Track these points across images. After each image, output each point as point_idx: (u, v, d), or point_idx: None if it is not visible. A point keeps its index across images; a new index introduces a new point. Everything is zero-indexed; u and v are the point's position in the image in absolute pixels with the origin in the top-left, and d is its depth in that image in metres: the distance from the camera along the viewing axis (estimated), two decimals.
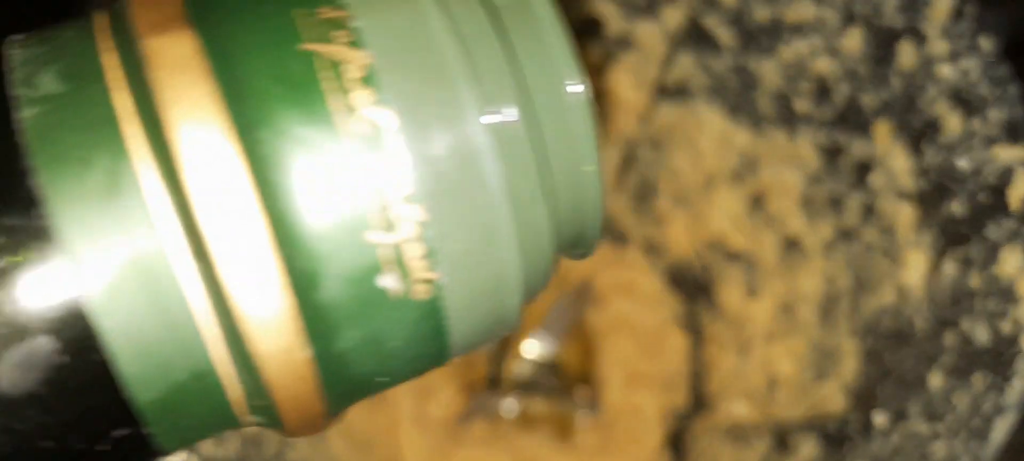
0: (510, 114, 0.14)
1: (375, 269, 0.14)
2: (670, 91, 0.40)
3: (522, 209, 0.15)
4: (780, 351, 0.39)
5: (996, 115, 0.30)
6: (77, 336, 0.13)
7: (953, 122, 0.32)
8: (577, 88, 0.15)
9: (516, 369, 0.43)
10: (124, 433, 0.14)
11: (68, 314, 0.13)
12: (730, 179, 0.40)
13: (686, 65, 0.38)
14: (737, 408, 0.40)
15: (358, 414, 0.40)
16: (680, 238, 0.42)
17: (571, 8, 0.39)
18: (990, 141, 0.31)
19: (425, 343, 0.15)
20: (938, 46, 0.31)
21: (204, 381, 0.14)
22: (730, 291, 0.41)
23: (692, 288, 0.43)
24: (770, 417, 0.39)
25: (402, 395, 0.42)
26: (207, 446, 0.30)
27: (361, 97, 0.14)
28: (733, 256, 0.41)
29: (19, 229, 0.13)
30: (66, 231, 0.13)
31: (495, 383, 0.43)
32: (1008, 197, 0.30)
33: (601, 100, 0.41)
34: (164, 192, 0.13)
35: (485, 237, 0.14)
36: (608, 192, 0.43)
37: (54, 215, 0.13)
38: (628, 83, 0.40)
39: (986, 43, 0.30)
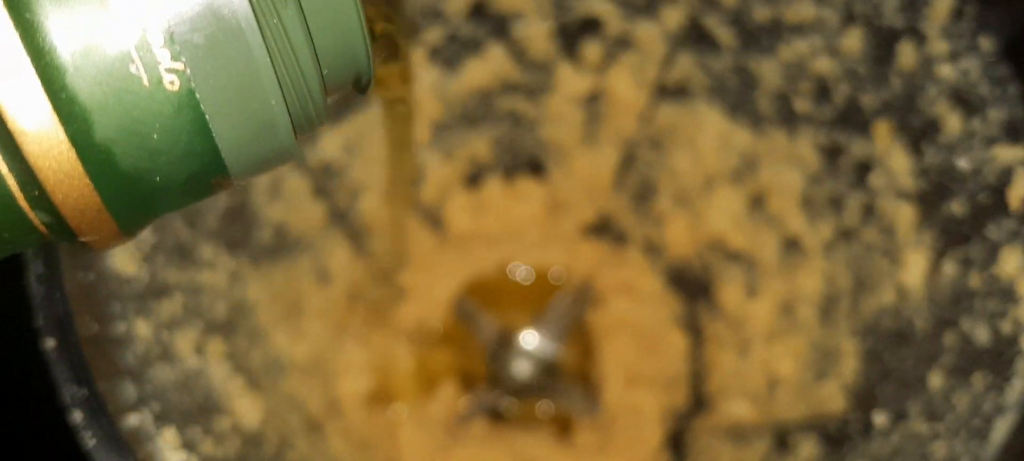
0: None
1: (125, 58, 0.14)
2: (670, 91, 0.40)
3: (264, 12, 0.15)
4: (780, 351, 0.39)
5: (996, 115, 0.30)
6: None
7: (953, 122, 0.32)
8: None
9: (516, 368, 0.43)
10: None
11: None
12: (730, 179, 0.40)
13: (686, 65, 0.38)
14: (737, 408, 0.40)
15: (358, 414, 0.40)
16: (680, 238, 0.42)
17: (571, 8, 0.39)
18: (990, 141, 0.31)
19: (189, 139, 0.15)
20: (938, 46, 0.31)
21: None
22: (730, 291, 0.41)
23: (692, 288, 0.43)
24: (770, 417, 0.39)
25: (402, 394, 0.42)
26: (207, 446, 0.30)
27: None
28: (733, 256, 0.41)
29: None
30: None
31: (495, 383, 0.43)
32: (1008, 197, 0.30)
33: (601, 100, 0.41)
34: None
35: (225, 29, 0.15)
36: (604, 188, 0.43)
37: None
38: (628, 83, 0.40)
39: (986, 43, 0.30)
